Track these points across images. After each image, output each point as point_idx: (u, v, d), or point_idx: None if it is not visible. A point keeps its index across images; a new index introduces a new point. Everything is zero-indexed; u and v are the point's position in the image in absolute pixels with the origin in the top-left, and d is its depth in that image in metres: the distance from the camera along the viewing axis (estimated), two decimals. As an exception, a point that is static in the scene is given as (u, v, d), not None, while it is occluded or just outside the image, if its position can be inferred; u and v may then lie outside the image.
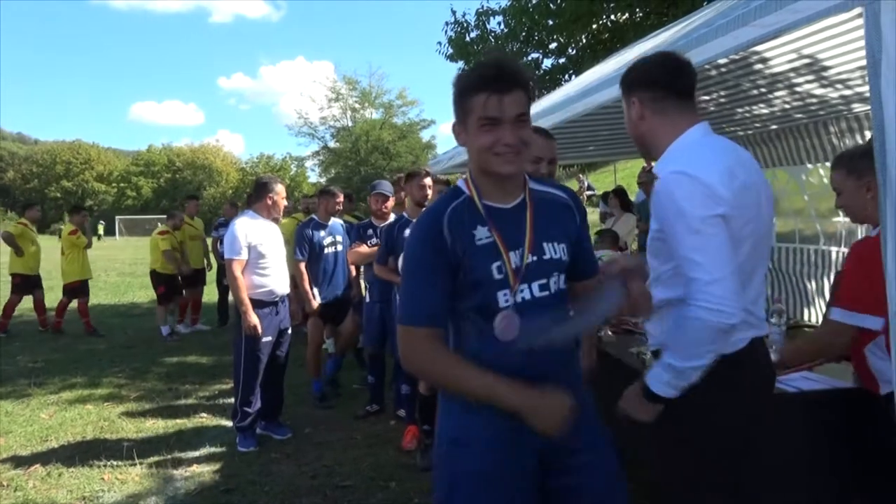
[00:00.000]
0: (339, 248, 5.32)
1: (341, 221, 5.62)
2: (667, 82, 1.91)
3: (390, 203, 5.01)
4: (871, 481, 2.41)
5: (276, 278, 4.44)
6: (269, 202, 4.42)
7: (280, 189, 4.48)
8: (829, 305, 2.37)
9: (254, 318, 4.26)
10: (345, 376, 5.88)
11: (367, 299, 4.85)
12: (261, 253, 4.34)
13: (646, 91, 1.93)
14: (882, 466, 2.30)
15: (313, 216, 5.39)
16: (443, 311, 1.65)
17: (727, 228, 1.70)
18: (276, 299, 4.45)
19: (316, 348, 5.45)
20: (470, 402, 1.63)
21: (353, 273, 5.50)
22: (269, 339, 4.41)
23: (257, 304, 4.35)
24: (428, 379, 2.20)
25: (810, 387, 2.60)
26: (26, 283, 8.77)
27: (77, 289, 8.72)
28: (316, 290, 5.23)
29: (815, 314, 5.55)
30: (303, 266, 5.16)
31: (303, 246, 5.17)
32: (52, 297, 9.64)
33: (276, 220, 4.55)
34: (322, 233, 5.26)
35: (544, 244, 1.68)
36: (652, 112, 1.93)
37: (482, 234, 1.64)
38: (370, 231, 4.99)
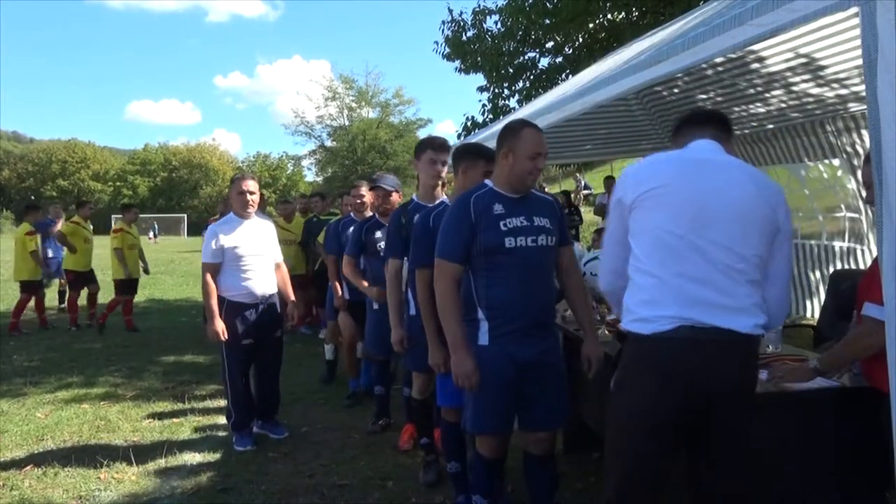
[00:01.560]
0: None
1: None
2: (687, 118, 2.30)
3: (395, 198, 4.49)
4: (859, 485, 2.42)
5: (257, 280, 4.34)
6: (237, 198, 4.33)
7: (247, 184, 4.34)
8: (858, 304, 2.30)
9: (218, 325, 4.19)
10: (343, 377, 5.87)
11: (375, 305, 4.48)
12: (238, 255, 4.26)
13: (675, 133, 2.31)
14: (869, 470, 2.30)
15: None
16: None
17: (621, 214, 2.10)
18: (258, 301, 4.35)
19: (349, 348, 5.33)
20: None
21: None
22: (250, 340, 4.33)
23: (237, 306, 4.28)
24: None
25: (800, 385, 2.57)
26: (80, 279, 9.11)
27: (126, 287, 8.90)
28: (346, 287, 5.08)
29: (817, 307, 5.57)
30: (336, 260, 5.03)
31: (357, 244, 4.69)
32: (49, 297, 9.63)
33: (248, 216, 4.37)
34: (379, 233, 4.55)
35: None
36: (674, 142, 2.26)
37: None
38: (378, 232, 4.50)
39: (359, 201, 4.98)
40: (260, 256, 4.39)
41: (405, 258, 3.48)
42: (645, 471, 2.00)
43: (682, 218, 1.93)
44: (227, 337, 4.23)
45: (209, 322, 4.23)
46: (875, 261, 2.22)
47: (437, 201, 3.48)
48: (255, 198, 4.38)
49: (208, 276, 4.25)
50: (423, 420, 3.78)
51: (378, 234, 4.47)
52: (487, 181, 2.78)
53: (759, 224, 1.98)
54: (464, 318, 2.72)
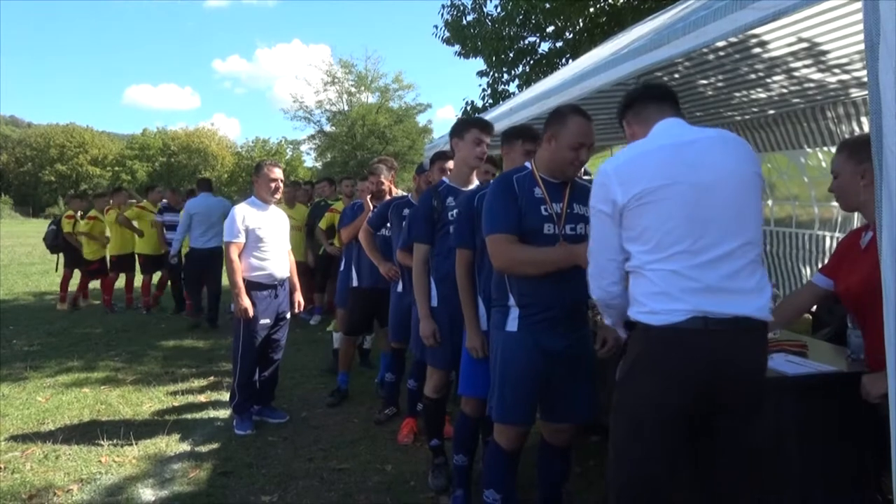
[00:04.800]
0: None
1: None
2: (640, 93, 2.24)
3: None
4: (853, 469, 2.43)
5: (275, 262, 4.48)
6: (266, 184, 4.46)
7: (276, 172, 4.50)
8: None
9: (245, 301, 4.30)
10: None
11: (399, 288, 4.34)
12: (259, 237, 4.39)
13: (628, 111, 2.26)
14: (863, 455, 2.31)
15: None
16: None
17: (608, 220, 2.04)
18: (275, 283, 4.48)
19: (349, 340, 5.19)
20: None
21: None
22: (267, 321, 4.44)
23: (256, 286, 4.39)
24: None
25: (795, 371, 2.58)
26: (151, 263, 9.20)
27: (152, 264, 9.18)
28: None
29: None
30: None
31: (381, 219, 4.56)
32: (49, 282, 9.61)
33: (274, 203, 4.56)
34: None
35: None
36: (636, 123, 2.21)
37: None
38: (406, 211, 4.24)
39: (382, 187, 4.86)
40: (278, 241, 4.53)
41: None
42: (653, 464, 1.96)
43: (684, 215, 1.90)
44: (252, 313, 4.31)
45: (236, 299, 4.33)
46: (843, 239, 2.28)
47: (474, 185, 3.39)
48: (282, 185, 4.57)
49: (234, 254, 4.34)
50: (435, 421, 3.65)
51: (406, 212, 4.22)
52: (528, 163, 2.70)
53: (753, 197, 1.98)
54: (495, 304, 2.69)
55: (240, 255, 4.38)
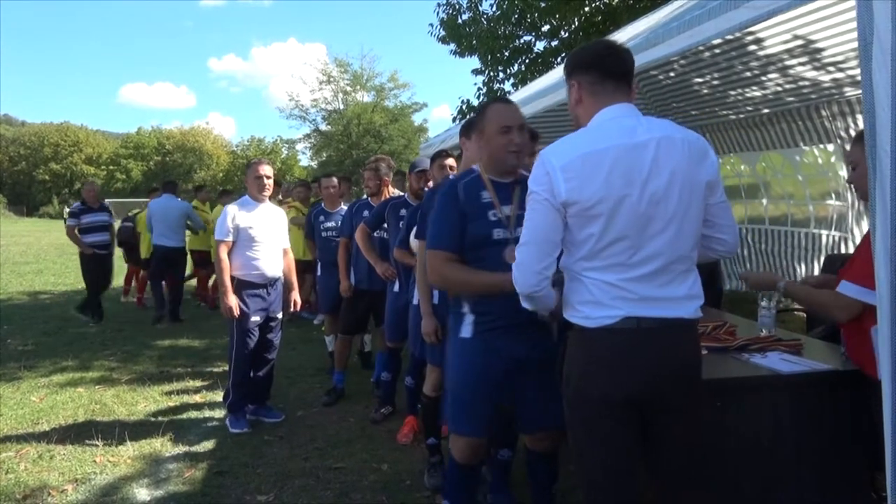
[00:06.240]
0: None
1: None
2: (598, 63, 1.99)
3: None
4: (847, 467, 2.44)
5: (267, 261, 4.46)
6: (254, 182, 4.44)
7: (263, 169, 4.45)
8: (838, 277, 2.35)
9: (231, 300, 4.30)
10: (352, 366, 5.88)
11: (396, 288, 4.34)
12: (251, 236, 4.38)
13: (583, 74, 2.02)
14: (857, 453, 2.32)
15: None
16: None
17: (551, 210, 1.90)
18: (267, 282, 4.46)
19: (343, 339, 5.19)
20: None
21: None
22: (258, 319, 4.43)
23: (248, 285, 4.39)
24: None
25: (790, 369, 2.59)
26: (203, 259, 9.32)
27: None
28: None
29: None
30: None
31: (378, 219, 4.59)
32: (43, 281, 9.56)
33: (263, 200, 4.50)
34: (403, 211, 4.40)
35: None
36: (588, 94, 2.01)
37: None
38: (403, 210, 4.26)
39: (372, 184, 4.92)
40: (271, 239, 4.50)
41: None
42: (612, 456, 1.95)
43: (630, 230, 1.86)
44: (238, 313, 4.31)
45: (222, 297, 4.32)
46: (863, 240, 2.23)
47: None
48: (271, 182, 4.52)
49: (222, 253, 4.34)
50: (432, 419, 3.64)
51: (403, 212, 4.23)
52: (475, 166, 2.62)
53: (695, 208, 1.93)
54: (451, 309, 2.64)
55: (230, 254, 4.37)
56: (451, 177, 3.46)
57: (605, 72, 1.98)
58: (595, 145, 1.89)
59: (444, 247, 2.49)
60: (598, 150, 1.87)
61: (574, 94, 2.04)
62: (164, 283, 8.70)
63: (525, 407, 2.57)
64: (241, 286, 4.37)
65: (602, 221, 1.86)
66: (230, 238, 4.36)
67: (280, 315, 4.64)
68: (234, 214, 4.38)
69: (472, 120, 3.28)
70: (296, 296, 4.80)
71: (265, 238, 4.45)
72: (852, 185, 2.36)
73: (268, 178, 4.47)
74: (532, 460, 2.80)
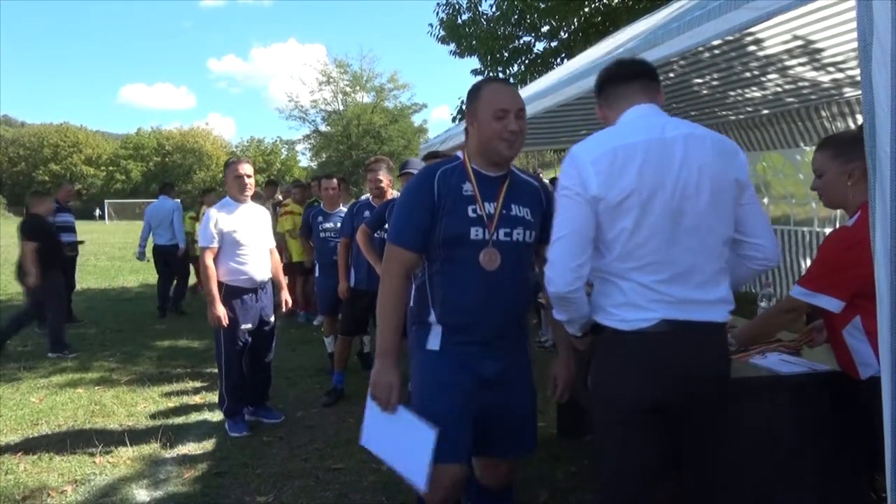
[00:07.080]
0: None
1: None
2: (609, 76, 2.09)
3: None
4: (846, 468, 2.44)
5: (255, 265, 4.33)
6: (234, 182, 4.30)
7: (243, 168, 4.30)
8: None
9: (219, 310, 4.16)
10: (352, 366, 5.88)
11: None
12: (236, 240, 4.24)
13: (599, 94, 2.12)
14: (857, 454, 2.32)
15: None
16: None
17: (583, 204, 1.88)
18: (256, 286, 4.36)
19: (343, 339, 5.18)
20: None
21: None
22: (249, 325, 4.34)
23: (237, 291, 4.27)
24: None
25: (789, 370, 2.59)
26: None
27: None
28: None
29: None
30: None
31: (379, 220, 4.62)
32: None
33: (245, 200, 4.36)
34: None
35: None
36: (608, 107, 2.08)
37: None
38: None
39: (377, 186, 4.87)
40: (257, 241, 4.37)
41: None
42: (633, 464, 1.96)
43: (664, 225, 1.86)
44: (227, 323, 4.20)
45: (210, 307, 4.19)
46: (821, 245, 2.25)
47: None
48: (252, 181, 4.37)
49: (208, 260, 4.20)
50: None
51: None
52: (460, 153, 2.32)
53: (728, 205, 1.93)
54: (414, 321, 2.31)
55: (216, 260, 4.23)
56: None
57: (615, 80, 2.06)
58: (625, 139, 1.90)
59: (404, 243, 2.19)
60: (628, 144, 1.88)
61: (599, 113, 2.13)
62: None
63: (488, 429, 2.24)
64: (229, 293, 4.25)
65: (634, 215, 1.86)
66: (215, 244, 4.20)
67: (273, 318, 4.58)
68: (216, 219, 4.21)
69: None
70: (286, 295, 4.73)
71: (251, 241, 4.30)
72: (818, 194, 2.35)
73: (248, 177, 4.31)
74: (483, 501, 2.43)
